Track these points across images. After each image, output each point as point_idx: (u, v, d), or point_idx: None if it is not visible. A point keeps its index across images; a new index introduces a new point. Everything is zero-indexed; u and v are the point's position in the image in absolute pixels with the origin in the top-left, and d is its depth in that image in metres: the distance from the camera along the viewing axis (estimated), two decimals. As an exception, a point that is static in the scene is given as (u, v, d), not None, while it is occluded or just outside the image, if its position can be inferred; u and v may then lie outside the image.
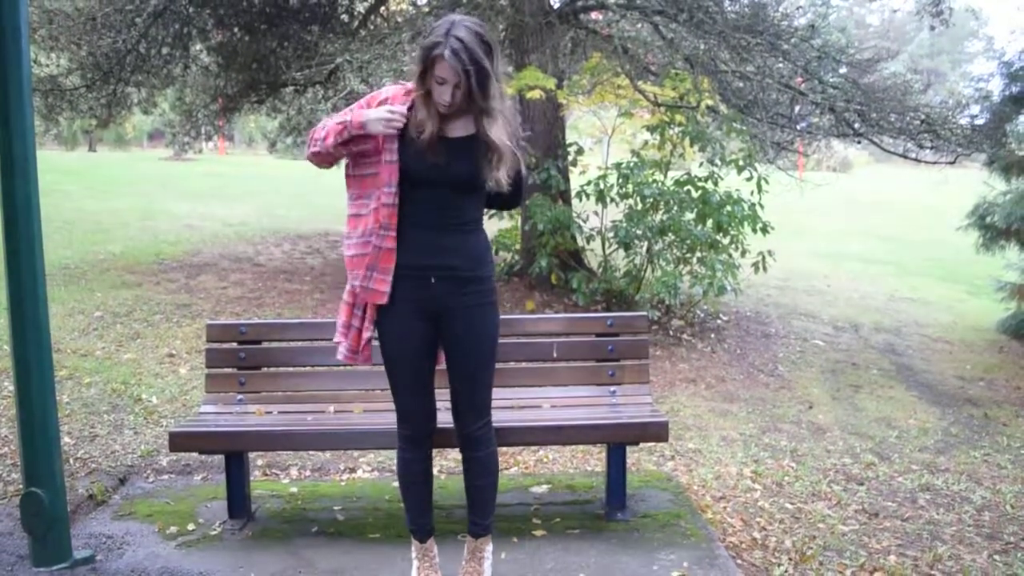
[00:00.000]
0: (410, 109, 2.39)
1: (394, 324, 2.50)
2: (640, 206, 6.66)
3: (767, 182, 6.65)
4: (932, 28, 8.18)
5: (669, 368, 5.89)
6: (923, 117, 7.05)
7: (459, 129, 2.42)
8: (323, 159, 2.44)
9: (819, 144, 9.10)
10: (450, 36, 2.24)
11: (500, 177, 2.37)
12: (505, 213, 7.58)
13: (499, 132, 2.35)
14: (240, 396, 3.25)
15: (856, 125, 7.15)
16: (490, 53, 2.28)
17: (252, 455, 3.67)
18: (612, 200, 6.80)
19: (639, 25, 8.33)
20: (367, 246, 2.44)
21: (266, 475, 3.86)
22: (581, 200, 7.05)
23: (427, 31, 2.33)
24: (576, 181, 7.37)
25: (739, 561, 3.04)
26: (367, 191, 2.46)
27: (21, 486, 2.83)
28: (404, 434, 2.61)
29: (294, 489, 3.57)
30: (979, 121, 7.56)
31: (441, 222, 2.43)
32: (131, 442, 4.11)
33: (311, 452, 4.03)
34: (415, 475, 2.65)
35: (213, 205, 12.76)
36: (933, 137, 7.05)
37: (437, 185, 2.40)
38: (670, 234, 6.59)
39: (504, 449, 4.00)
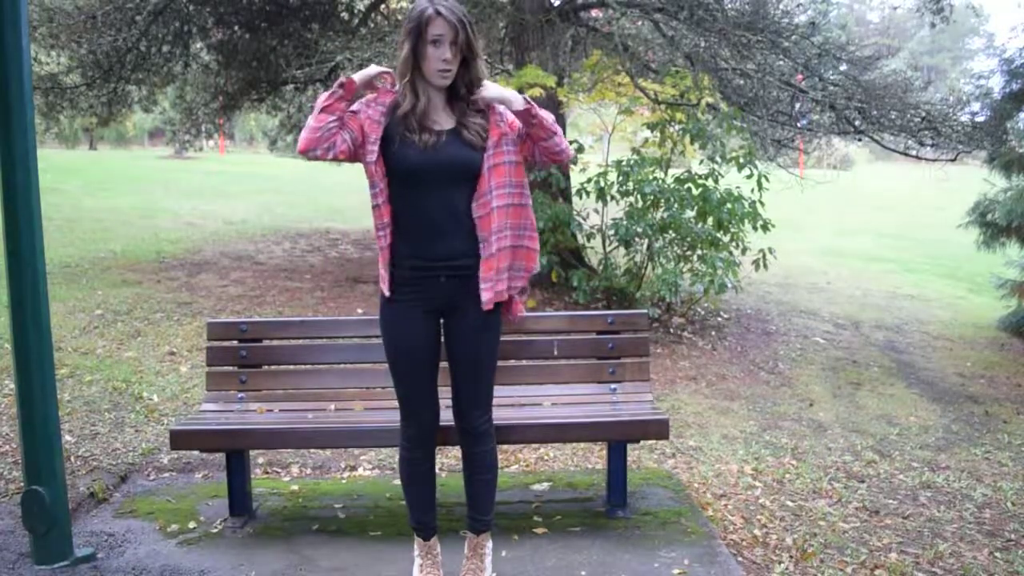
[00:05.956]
0: (394, 111, 2.41)
1: (402, 321, 2.50)
2: (640, 204, 6.65)
3: (768, 179, 6.64)
4: (933, 25, 8.18)
5: (670, 366, 5.89)
6: (924, 114, 7.06)
7: (443, 122, 2.43)
8: (312, 140, 2.34)
9: (819, 141, 9.13)
10: (435, 4, 2.33)
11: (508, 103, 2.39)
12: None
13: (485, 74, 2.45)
14: (241, 394, 3.25)
15: (857, 122, 7.15)
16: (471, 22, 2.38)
17: (253, 453, 3.67)
18: (612, 198, 6.79)
19: (640, 22, 8.34)
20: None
21: (267, 473, 3.86)
22: (581, 198, 7.04)
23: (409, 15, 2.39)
24: (576, 179, 7.37)
25: (740, 559, 3.04)
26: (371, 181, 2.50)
27: (22, 484, 2.83)
28: (409, 433, 2.59)
29: (295, 487, 3.58)
30: (980, 118, 7.56)
31: (445, 216, 2.42)
32: (132, 440, 4.11)
33: (312, 450, 4.03)
34: (420, 475, 2.64)
35: (214, 203, 12.77)
36: (934, 134, 7.05)
37: (436, 176, 2.39)
38: (670, 232, 6.58)
39: (505, 447, 4.01)
